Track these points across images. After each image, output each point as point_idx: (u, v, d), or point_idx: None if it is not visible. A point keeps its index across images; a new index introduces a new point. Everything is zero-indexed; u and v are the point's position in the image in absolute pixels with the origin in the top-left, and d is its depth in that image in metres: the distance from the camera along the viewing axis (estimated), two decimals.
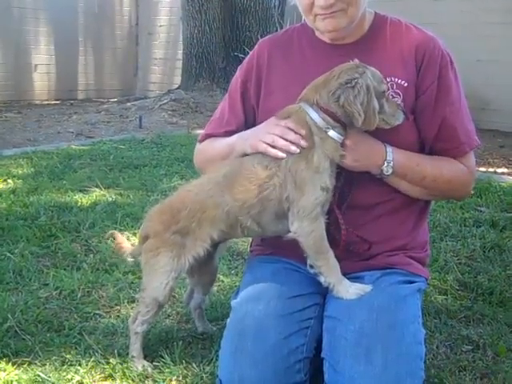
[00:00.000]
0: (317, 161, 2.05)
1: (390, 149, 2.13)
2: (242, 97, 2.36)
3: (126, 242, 2.59)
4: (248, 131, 2.27)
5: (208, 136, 2.47)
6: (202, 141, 2.50)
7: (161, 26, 13.10)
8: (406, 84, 2.17)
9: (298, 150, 2.06)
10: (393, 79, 2.16)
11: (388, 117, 2.08)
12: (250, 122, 2.36)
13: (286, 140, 2.07)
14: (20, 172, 5.48)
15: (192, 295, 2.63)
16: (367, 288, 2.11)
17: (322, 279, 2.13)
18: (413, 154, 2.20)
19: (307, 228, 2.08)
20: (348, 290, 2.11)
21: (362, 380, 1.90)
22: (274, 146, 2.09)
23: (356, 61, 2.08)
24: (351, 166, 2.12)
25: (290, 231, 2.13)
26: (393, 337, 1.96)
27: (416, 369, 1.97)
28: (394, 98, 2.15)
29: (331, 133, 2.05)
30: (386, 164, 2.12)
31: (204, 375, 2.33)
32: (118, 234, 2.58)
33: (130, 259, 2.51)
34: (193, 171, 4.61)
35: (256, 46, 2.41)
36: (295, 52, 2.31)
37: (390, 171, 2.13)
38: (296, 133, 2.06)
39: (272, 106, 2.24)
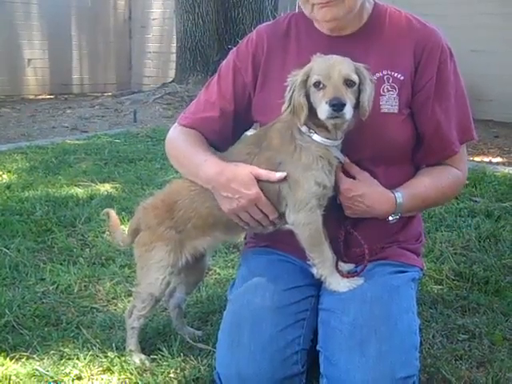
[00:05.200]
0: (306, 160, 2.05)
1: (400, 200, 2.15)
2: (233, 82, 2.32)
3: (119, 225, 2.54)
4: (222, 177, 2.15)
5: (188, 122, 2.38)
6: (181, 124, 2.40)
7: (154, 19, 13.07)
8: (402, 77, 2.15)
9: (265, 231, 2.21)
10: (389, 72, 2.15)
11: (317, 109, 2.00)
12: (240, 107, 2.32)
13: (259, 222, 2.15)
14: (15, 167, 5.47)
15: (173, 293, 2.56)
16: (359, 281, 2.13)
17: (314, 271, 2.14)
18: (418, 188, 2.21)
19: (303, 220, 2.08)
20: (340, 282, 2.12)
21: (357, 371, 1.91)
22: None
23: (317, 54, 2.06)
24: (354, 215, 2.17)
25: (287, 223, 2.14)
26: (386, 327, 1.97)
27: (411, 359, 1.97)
28: (389, 91, 2.14)
29: (315, 136, 2.06)
30: (392, 217, 2.18)
31: (202, 367, 2.33)
32: (112, 213, 2.52)
33: (120, 244, 2.50)
34: None
35: (254, 33, 2.35)
36: (292, 42, 2.28)
37: (395, 220, 2.19)
38: (269, 219, 2.14)
39: (267, 96, 2.24)
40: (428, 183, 2.23)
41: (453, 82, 2.20)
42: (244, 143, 2.24)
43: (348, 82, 1.97)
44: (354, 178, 2.14)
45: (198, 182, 2.22)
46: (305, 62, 2.08)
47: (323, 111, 1.95)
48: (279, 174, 2.06)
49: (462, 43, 7.95)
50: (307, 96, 2.01)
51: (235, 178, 2.11)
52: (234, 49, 2.39)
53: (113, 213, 2.53)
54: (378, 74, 2.14)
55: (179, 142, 2.37)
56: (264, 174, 2.09)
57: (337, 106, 1.92)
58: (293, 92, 2.01)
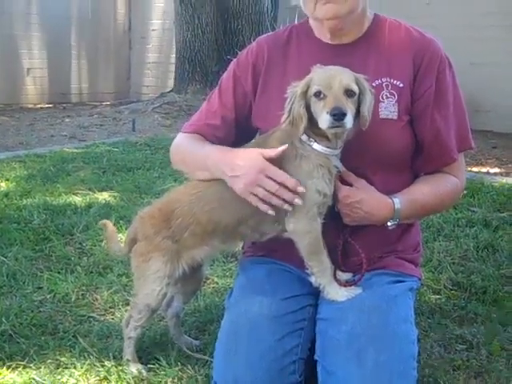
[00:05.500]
0: (307, 168, 2.06)
1: (398, 205, 2.14)
2: (233, 91, 2.33)
3: (116, 236, 2.54)
4: (228, 157, 2.14)
5: (192, 129, 2.38)
6: (185, 132, 2.41)
7: (154, 30, 13.10)
8: (401, 85, 2.17)
9: (291, 208, 2.05)
10: (388, 80, 2.17)
11: (318, 119, 2.00)
12: (241, 116, 2.33)
13: (279, 197, 2.04)
14: (13, 175, 5.46)
15: (171, 303, 2.54)
16: (357, 290, 2.12)
17: (312, 279, 2.14)
18: (416, 195, 2.21)
19: (304, 228, 2.08)
20: (338, 291, 2.12)
21: (354, 381, 1.90)
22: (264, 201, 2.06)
23: (317, 65, 2.07)
24: (353, 223, 2.16)
25: (286, 231, 2.13)
26: (384, 337, 1.96)
27: (408, 368, 1.97)
28: (388, 98, 2.16)
29: (315, 145, 2.06)
30: (390, 222, 2.17)
31: (199, 377, 2.32)
32: (109, 225, 2.53)
33: (117, 255, 2.50)
34: None
35: (255, 44, 2.36)
36: (293, 50, 2.30)
37: (394, 226, 2.18)
38: (290, 190, 2.02)
39: (267, 103, 2.25)
40: (426, 190, 2.23)
41: (451, 91, 2.22)
42: None
43: (348, 92, 1.98)
44: (351, 185, 2.15)
45: (206, 176, 2.19)
46: (305, 69, 2.09)
47: (324, 121, 1.96)
48: (281, 148, 2.03)
49: (461, 55, 7.94)
50: (307, 106, 2.02)
51: (240, 154, 2.11)
52: (235, 59, 2.40)
53: (110, 224, 2.54)
54: (377, 81, 2.16)
55: (184, 145, 2.38)
56: (269, 151, 2.05)
57: (338, 115, 1.93)
58: (293, 103, 2.02)
